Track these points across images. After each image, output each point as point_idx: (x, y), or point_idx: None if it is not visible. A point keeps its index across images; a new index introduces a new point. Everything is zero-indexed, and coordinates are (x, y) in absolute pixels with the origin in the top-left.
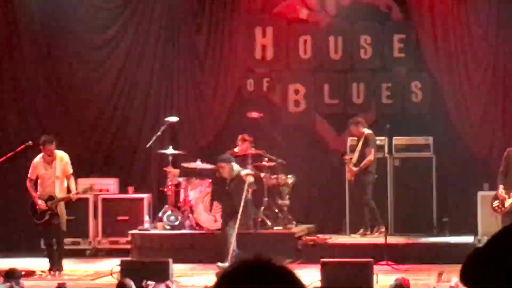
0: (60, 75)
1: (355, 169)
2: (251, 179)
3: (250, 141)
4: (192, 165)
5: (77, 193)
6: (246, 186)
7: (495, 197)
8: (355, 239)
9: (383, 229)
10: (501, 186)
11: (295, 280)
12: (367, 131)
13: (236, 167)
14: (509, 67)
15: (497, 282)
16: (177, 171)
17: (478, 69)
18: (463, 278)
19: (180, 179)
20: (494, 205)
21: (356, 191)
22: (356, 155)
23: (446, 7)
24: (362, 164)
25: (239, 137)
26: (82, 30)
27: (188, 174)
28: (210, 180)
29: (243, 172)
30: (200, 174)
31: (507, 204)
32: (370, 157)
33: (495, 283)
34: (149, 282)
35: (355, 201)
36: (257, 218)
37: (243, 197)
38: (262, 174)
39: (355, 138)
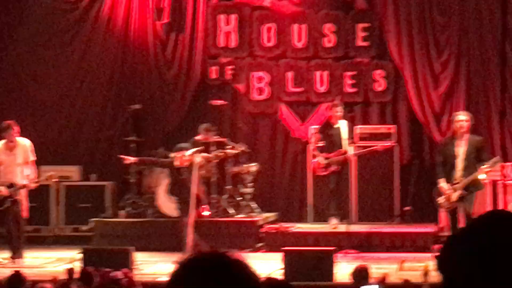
0: (20, 60)
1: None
2: (198, 159)
3: (213, 130)
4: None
5: (37, 182)
6: (195, 166)
7: (438, 193)
8: (318, 227)
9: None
10: (441, 180)
11: (250, 273)
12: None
13: (188, 153)
14: (471, 56)
15: (471, 270)
16: (133, 159)
17: (440, 59)
18: (440, 266)
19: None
20: (440, 202)
21: (336, 180)
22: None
23: None
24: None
25: (202, 126)
26: (44, 13)
27: (147, 164)
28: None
29: (189, 152)
30: (159, 164)
31: (453, 198)
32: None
33: (469, 271)
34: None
35: (320, 190)
36: (219, 206)
37: (195, 180)
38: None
39: (317, 126)
